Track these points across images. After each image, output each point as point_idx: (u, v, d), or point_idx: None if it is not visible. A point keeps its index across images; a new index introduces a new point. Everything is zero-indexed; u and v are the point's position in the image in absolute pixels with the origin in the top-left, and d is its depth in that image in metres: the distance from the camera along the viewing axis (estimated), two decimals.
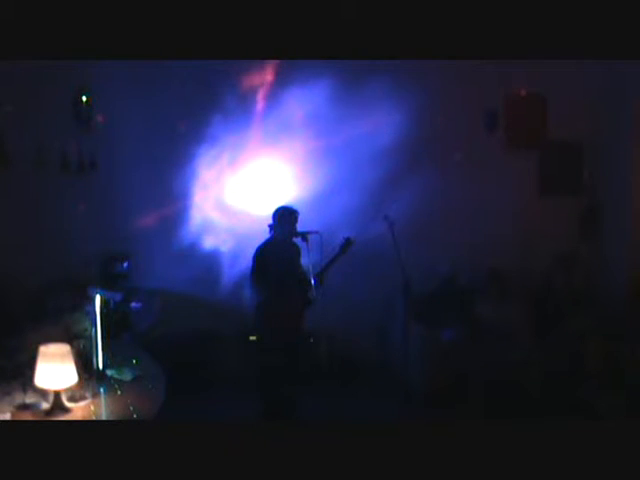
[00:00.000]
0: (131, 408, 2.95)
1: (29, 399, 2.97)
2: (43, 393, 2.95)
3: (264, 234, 4.71)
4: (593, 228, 6.44)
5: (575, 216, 6.44)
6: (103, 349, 3.34)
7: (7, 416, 2.83)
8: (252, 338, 4.78)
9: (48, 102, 5.18)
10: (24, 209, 5.22)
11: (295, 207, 4.71)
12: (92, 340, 3.32)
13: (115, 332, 4.41)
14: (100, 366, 3.33)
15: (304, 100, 5.45)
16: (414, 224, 5.28)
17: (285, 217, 4.63)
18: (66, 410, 2.88)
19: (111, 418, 2.92)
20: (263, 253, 4.59)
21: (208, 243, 5.65)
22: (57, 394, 2.86)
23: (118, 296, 3.55)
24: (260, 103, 5.71)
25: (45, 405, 2.92)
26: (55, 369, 2.81)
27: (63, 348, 2.86)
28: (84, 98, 5.38)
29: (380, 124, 5.62)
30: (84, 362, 3.24)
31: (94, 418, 2.88)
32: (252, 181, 5.72)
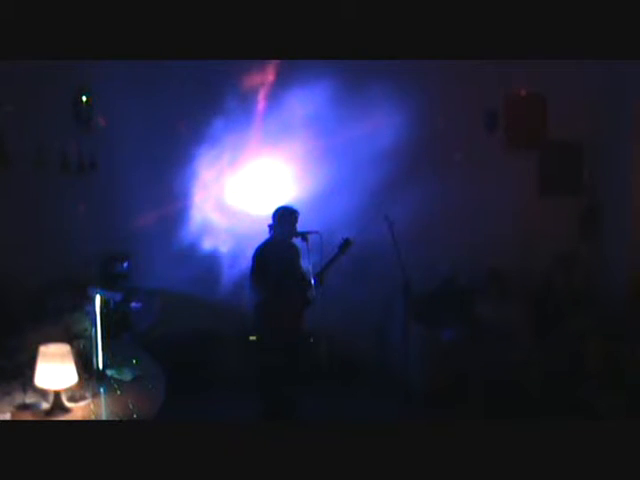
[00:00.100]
0: (131, 408, 2.95)
1: (29, 399, 2.97)
2: (43, 393, 2.95)
3: (264, 234, 4.71)
4: (593, 228, 6.44)
5: (575, 216, 6.45)
6: (103, 349, 3.34)
7: (7, 416, 2.83)
8: (252, 338, 4.77)
9: (48, 102, 5.18)
10: (24, 209, 5.22)
11: (295, 207, 4.71)
12: (92, 340, 3.32)
13: (115, 332, 4.41)
14: (100, 366, 3.33)
15: (305, 100, 5.44)
16: (414, 224, 5.27)
17: (285, 217, 4.63)
18: (66, 410, 2.87)
19: (111, 418, 2.92)
20: (263, 253, 4.59)
21: (208, 243, 5.65)
22: (57, 394, 2.86)
23: (118, 296, 3.55)
24: (260, 103, 5.70)
25: (45, 405, 2.91)
26: (55, 369, 2.81)
27: (63, 348, 2.86)
28: (84, 98, 5.38)
29: (380, 125, 5.62)
30: (84, 362, 3.24)
31: (94, 418, 2.88)
32: (252, 181, 5.72)
